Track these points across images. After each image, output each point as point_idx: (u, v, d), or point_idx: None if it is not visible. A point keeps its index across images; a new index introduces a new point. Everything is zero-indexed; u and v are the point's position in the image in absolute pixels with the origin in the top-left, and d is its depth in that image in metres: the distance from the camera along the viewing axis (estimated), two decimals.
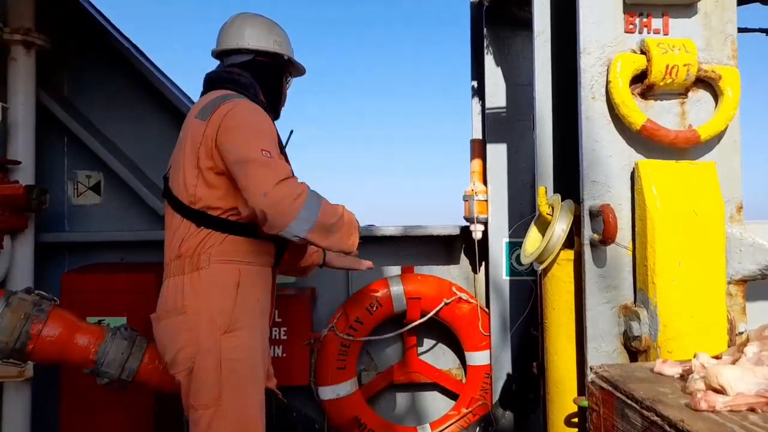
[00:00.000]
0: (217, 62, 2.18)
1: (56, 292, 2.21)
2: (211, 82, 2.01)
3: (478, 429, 2.63)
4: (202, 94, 2.03)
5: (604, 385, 1.21)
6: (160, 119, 3.00)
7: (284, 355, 2.71)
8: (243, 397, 1.77)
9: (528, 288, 2.70)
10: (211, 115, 1.79)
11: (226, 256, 1.78)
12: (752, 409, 0.97)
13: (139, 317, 2.46)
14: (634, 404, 1.09)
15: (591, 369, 1.29)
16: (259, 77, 2.03)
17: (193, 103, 3.04)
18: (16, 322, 1.84)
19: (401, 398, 3.01)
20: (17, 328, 1.84)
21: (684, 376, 1.16)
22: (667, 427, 0.98)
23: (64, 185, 2.94)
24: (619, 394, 1.15)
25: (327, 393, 2.75)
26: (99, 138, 2.90)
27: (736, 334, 1.60)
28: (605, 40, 1.69)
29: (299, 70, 2.26)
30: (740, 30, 1.82)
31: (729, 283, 1.63)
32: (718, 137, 1.70)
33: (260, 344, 1.88)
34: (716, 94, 1.71)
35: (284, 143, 2.13)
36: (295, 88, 2.30)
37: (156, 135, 3.00)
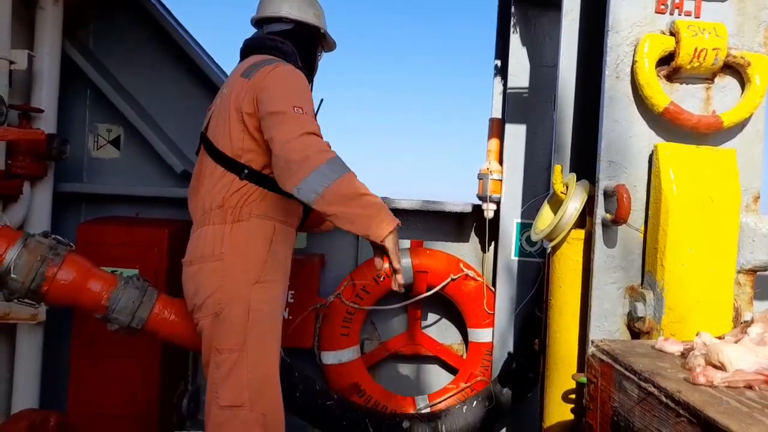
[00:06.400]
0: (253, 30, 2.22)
1: (71, 241, 2.25)
2: (252, 48, 2.08)
3: (475, 403, 2.66)
4: (242, 58, 2.09)
5: (604, 358, 1.22)
6: (183, 78, 3.02)
7: (290, 317, 2.75)
8: (265, 346, 1.87)
9: (536, 269, 2.71)
10: (254, 75, 1.87)
11: (264, 212, 1.87)
12: (750, 386, 0.98)
13: (151, 270, 2.51)
14: (632, 376, 1.11)
15: (592, 342, 1.31)
16: (298, 47, 2.10)
17: (215, 64, 3.07)
18: (33, 263, 1.88)
19: (401, 369, 3.06)
20: (33, 270, 1.88)
21: (685, 354, 1.17)
22: (663, 398, 1.00)
23: (85, 137, 2.98)
24: (618, 366, 1.16)
25: (329, 358, 2.79)
26: (121, 93, 2.93)
27: (741, 323, 1.59)
28: (635, 19, 1.66)
29: (330, 45, 2.33)
30: None
31: (739, 272, 1.63)
32: (742, 125, 1.68)
33: (283, 300, 1.98)
34: (743, 82, 1.68)
35: (315, 111, 2.18)
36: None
37: (177, 93, 3.02)
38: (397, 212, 2.99)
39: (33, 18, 2.62)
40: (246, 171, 1.85)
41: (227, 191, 1.86)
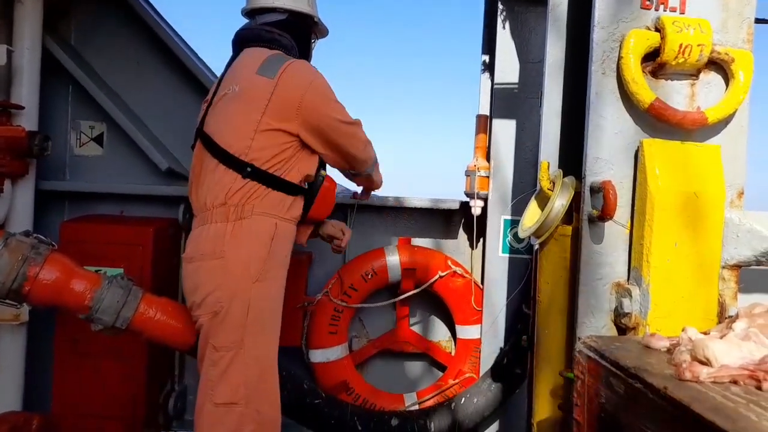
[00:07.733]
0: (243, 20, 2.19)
1: (54, 240, 2.21)
2: (248, 39, 2.05)
3: (464, 400, 2.66)
4: (237, 50, 2.07)
5: (591, 354, 1.23)
6: (167, 74, 2.97)
7: None
8: (263, 343, 1.88)
9: (523, 266, 2.72)
10: (279, 75, 1.86)
11: (267, 209, 1.88)
12: (735, 381, 0.99)
13: (136, 269, 2.48)
14: (619, 372, 1.11)
15: (579, 339, 1.31)
16: (294, 37, 2.09)
17: (200, 59, 3.02)
18: (14, 263, 1.85)
19: (390, 366, 3.05)
20: (14, 270, 1.85)
21: (671, 350, 1.17)
22: (650, 395, 1.00)
23: (67, 134, 2.93)
24: (605, 363, 1.17)
25: (317, 356, 2.78)
26: (104, 89, 2.88)
27: (726, 318, 1.60)
28: (621, 15, 1.66)
29: (323, 32, 2.33)
30: (758, 21, 1.79)
31: (723, 267, 1.64)
32: (726, 121, 1.69)
33: (282, 297, 1.98)
34: (728, 78, 1.69)
35: None
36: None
37: (161, 90, 2.97)
38: (384, 209, 3.01)
39: (12, 12, 2.57)
40: (249, 169, 1.85)
41: (230, 189, 1.86)
